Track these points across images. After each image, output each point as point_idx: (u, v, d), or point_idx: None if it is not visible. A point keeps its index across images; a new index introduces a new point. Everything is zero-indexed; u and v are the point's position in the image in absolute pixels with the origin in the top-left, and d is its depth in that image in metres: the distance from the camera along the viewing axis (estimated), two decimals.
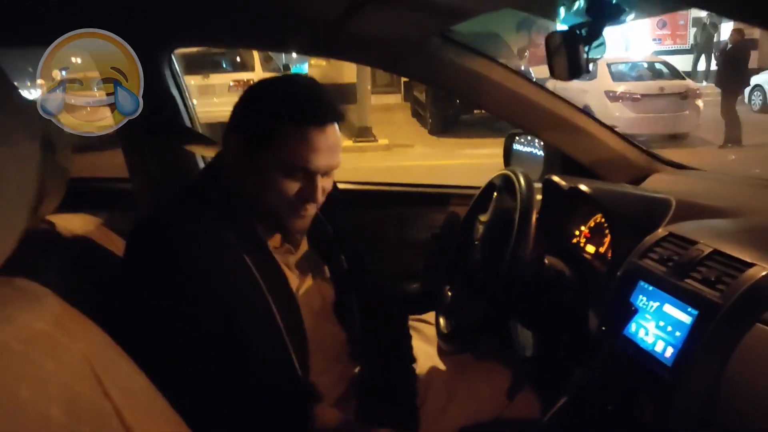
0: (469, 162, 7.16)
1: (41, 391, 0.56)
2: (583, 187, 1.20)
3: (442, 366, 1.25)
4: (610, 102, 8.76)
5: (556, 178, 1.30)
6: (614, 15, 0.83)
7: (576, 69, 0.96)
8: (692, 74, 13.77)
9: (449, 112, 9.74)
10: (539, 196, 1.38)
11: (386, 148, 9.15)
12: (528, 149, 1.78)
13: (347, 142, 9.42)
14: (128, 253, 0.98)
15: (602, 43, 0.92)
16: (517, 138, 1.80)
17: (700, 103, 8.62)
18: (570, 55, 0.95)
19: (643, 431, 0.88)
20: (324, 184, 1.01)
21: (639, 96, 8.53)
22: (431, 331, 1.37)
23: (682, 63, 12.53)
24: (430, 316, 1.43)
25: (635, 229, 1.09)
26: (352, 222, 1.22)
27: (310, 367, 1.01)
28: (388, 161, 8.32)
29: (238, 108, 1.03)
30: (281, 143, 0.97)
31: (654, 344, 0.91)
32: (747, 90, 11.21)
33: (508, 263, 1.09)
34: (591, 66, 0.97)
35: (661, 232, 1.04)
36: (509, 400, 1.14)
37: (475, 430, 1.12)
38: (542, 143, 1.63)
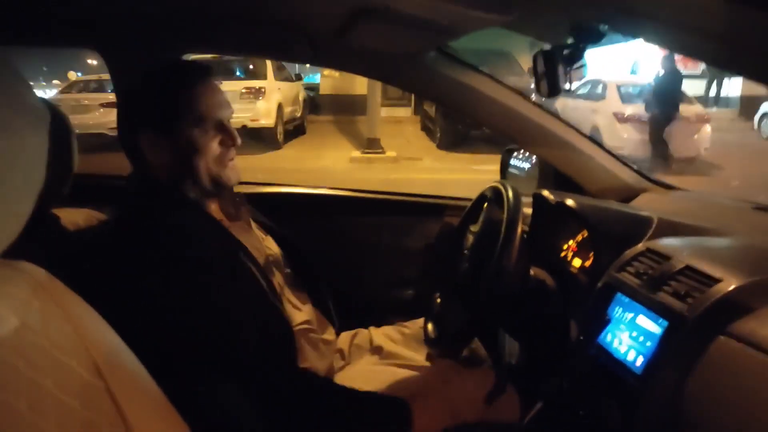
0: (476, 177, 7.19)
1: (35, 363, 0.61)
2: (569, 202, 1.24)
3: (426, 370, 1.29)
4: (618, 123, 8.80)
5: (545, 193, 1.34)
6: (595, 39, 0.88)
7: (554, 88, 1.01)
8: (704, 99, 13.78)
9: (458, 127, 9.80)
10: (529, 210, 1.42)
11: (394, 161, 9.21)
12: (523, 164, 1.82)
13: (355, 153, 9.50)
14: (115, 249, 1.06)
15: (583, 65, 0.97)
16: (514, 153, 1.85)
17: (708, 128, 8.63)
18: (549, 74, 1.00)
19: None
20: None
21: (647, 119, 8.57)
22: (421, 335, 1.41)
23: (694, 88, 12.54)
24: (420, 322, 1.48)
25: (617, 244, 1.12)
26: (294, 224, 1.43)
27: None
28: (396, 173, 8.37)
29: (127, 111, 1.18)
30: (190, 110, 1.11)
31: (626, 353, 0.94)
32: (756, 117, 11.21)
33: (491, 273, 1.12)
34: (568, 86, 1.02)
35: (640, 247, 1.08)
36: (489, 404, 1.17)
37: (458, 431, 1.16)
38: (536, 159, 1.68)
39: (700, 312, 0.84)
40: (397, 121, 13.32)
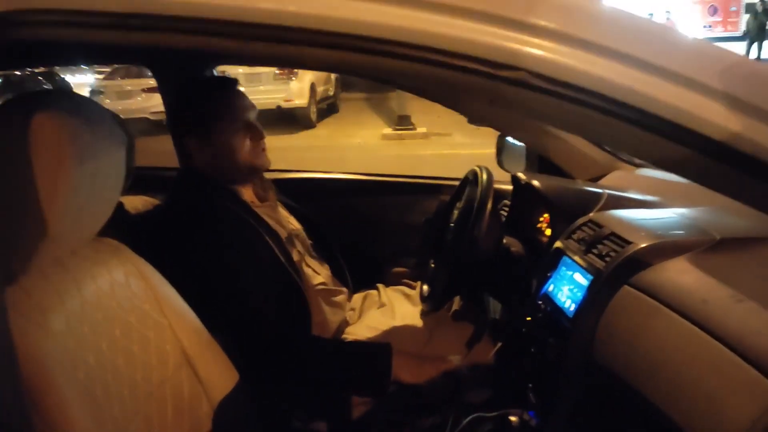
0: None
1: (123, 306, 0.91)
2: (534, 183, 1.48)
3: (420, 323, 1.57)
4: None
5: (519, 174, 1.58)
6: None
7: None
8: None
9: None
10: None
11: (424, 137, 9.40)
12: (517, 146, 2.06)
13: (387, 130, 9.72)
14: (168, 229, 1.37)
15: None
16: (507, 137, 2.08)
17: None
18: None
19: (550, 366, 1.18)
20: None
21: None
22: (418, 296, 1.69)
23: (735, 50, 12.26)
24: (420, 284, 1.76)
25: (571, 217, 1.36)
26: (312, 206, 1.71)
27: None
28: (426, 149, 8.57)
29: (175, 121, 1.50)
30: (222, 117, 1.40)
31: (564, 302, 1.20)
32: None
33: (465, 241, 1.39)
34: None
35: (585, 218, 1.32)
36: (468, 349, 1.44)
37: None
38: None
39: (612, 268, 1.09)
40: None
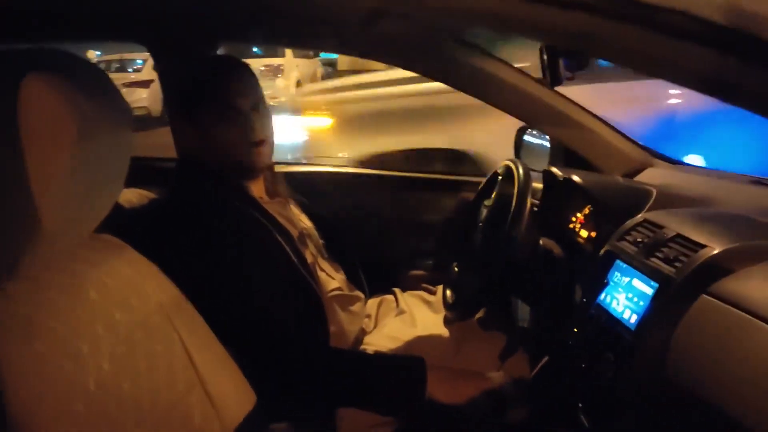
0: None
1: (130, 317, 0.76)
2: (575, 178, 1.35)
3: (445, 332, 1.42)
4: None
5: (554, 170, 1.45)
6: None
7: (555, 79, 1.11)
8: None
9: None
10: (541, 185, 1.53)
11: None
12: (537, 141, 1.93)
13: None
14: (166, 225, 1.20)
15: (585, 58, 1.05)
16: (527, 131, 1.95)
17: None
18: (550, 65, 1.10)
19: (607, 385, 1.04)
20: (263, 121, 1.25)
21: None
22: (440, 301, 1.55)
23: None
24: (440, 288, 1.61)
25: (619, 216, 1.23)
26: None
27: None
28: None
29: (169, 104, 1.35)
30: (207, 99, 1.22)
31: (622, 313, 1.06)
32: None
33: (503, 242, 1.25)
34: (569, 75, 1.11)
35: (638, 218, 1.19)
36: (502, 362, 1.30)
37: None
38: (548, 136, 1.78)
39: (686, 274, 0.96)
40: None
